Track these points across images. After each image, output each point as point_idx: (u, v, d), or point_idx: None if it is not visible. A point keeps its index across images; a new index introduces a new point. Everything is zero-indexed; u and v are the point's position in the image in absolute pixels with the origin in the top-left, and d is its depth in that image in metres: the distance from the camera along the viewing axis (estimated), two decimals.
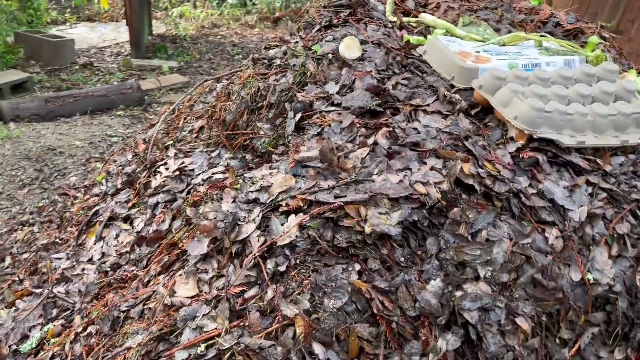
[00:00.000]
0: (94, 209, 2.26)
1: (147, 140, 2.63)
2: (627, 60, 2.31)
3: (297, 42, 2.04)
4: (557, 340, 1.31)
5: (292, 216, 1.40)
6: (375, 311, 1.25)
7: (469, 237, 1.33)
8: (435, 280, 1.29)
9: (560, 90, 1.57)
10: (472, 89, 1.65)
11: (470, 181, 1.41)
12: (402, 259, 1.32)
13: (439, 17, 2.14)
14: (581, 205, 1.40)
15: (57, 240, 2.44)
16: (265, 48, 2.16)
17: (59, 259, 2.10)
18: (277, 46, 2.13)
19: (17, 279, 2.18)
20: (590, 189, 1.45)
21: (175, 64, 6.34)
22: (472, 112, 1.62)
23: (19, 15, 6.41)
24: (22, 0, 6.36)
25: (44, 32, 6.32)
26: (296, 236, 1.34)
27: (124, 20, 7.60)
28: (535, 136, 1.49)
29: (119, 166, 2.56)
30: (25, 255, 2.68)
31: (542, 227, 1.37)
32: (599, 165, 1.51)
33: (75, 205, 2.65)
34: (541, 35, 1.93)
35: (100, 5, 7.59)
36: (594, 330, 1.34)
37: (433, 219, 1.37)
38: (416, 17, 2.13)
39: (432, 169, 1.43)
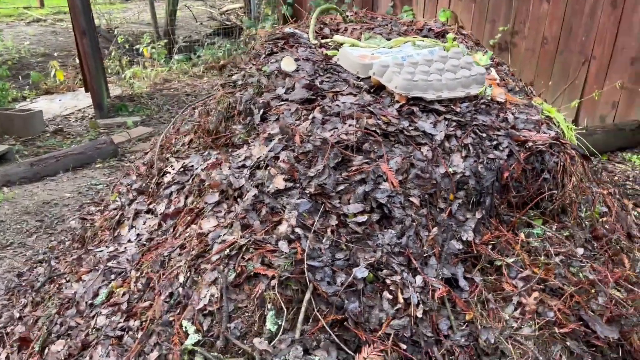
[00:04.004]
0: (119, 214, 3.13)
1: (146, 163, 3.54)
2: (493, 46, 3.39)
3: (250, 67, 3.03)
4: (437, 209, 2.29)
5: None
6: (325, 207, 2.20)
7: (376, 159, 2.31)
8: (362, 186, 2.25)
9: (423, 68, 2.61)
10: (370, 77, 2.67)
11: (373, 128, 2.39)
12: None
13: (347, 37, 3.18)
14: (441, 131, 2.40)
15: (90, 248, 3.28)
16: (229, 76, 3.14)
17: (101, 251, 2.95)
18: (236, 73, 3.11)
19: (68, 274, 3.01)
20: (447, 122, 2.46)
21: (138, 118, 7.26)
22: (372, 90, 2.63)
23: None
24: None
25: (10, 108, 7.14)
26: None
27: (80, 89, 8.52)
28: (409, 96, 2.50)
29: (127, 185, 3.45)
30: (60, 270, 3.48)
31: (419, 147, 2.36)
32: (452, 109, 2.53)
33: (97, 222, 3.49)
34: (414, 38, 2.99)
35: (55, 78, 8.47)
36: (459, 202, 2.32)
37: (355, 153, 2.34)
38: (331, 38, 3.16)
39: (350, 125, 2.42)
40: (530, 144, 2.47)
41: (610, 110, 5.54)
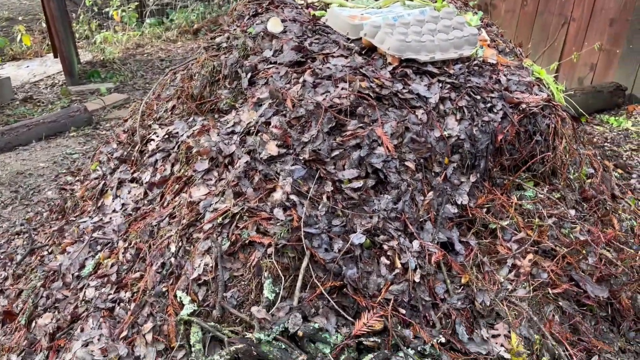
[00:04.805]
0: (101, 184, 3.02)
1: (126, 130, 3.41)
2: (473, 8, 3.32)
3: (235, 29, 2.91)
4: (433, 173, 2.25)
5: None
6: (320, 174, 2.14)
7: (370, 123, 2.25)
8: (357, 151, 2.19)
9: (415, 28, 2.53)
10: (360, 38, 2.58)
11: (366, 91, 2.32)
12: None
13: None
14: (435, 94, 2.35)
15: (71, 219, 3.17)
16: (212, 38, 3.01)
17: (85, 222, 2.85)
18: (220, 35, 2.98)
19: (52, 244, 2.91)
20: (440, 84, 2.40)
21: (112, 85, 7.01)
22: (363, 52, 2.55)
23: None
24: None
25: None
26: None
27: (49, 55, 8.17)
28: (402, 58, 2.43)
29: (108, 154, 3.32)
30: (41, 242, 3.37)
31: (414, 110, 2.31)
32: (445, 70, 2.47)
33: (78, 192, 3.37)
34: None
35: (22, 44, 8.09)
36: (454, 165, 2.28)
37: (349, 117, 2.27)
38: None
39: (342, 89, 2.34)
40: (523, 106, 2.44)
41: (588, 72, 5.56)
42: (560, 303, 2.23)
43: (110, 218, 2.70)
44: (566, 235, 2.40)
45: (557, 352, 2.10)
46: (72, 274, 2.50)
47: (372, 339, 1.84)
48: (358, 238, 2.02)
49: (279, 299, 1.95)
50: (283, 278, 1.97)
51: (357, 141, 2.20)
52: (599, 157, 3.47)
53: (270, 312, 1.91)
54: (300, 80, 2.41)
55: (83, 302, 2.30)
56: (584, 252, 2.37)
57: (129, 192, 2.77)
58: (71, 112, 5.84)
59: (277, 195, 2.07)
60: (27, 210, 4.40)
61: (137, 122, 3.09)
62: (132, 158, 2.99)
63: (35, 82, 7.38)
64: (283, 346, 1.84)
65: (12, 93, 6.71)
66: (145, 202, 2.64)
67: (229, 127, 2.39)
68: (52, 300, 2.45)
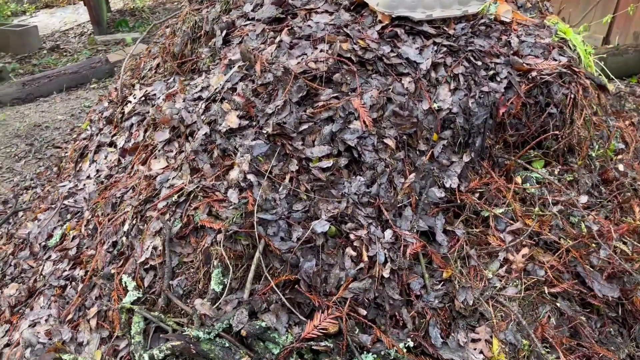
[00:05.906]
0: (84, 145, 2.86)
1: (117, 88, 3.21)
2: None
3: None
4: (417, 152, 1.94)
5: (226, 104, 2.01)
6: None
7: (348, 92, 1.95)
8: (329, 125, 1.91)
9: None
10: None
11: (348, 55, 2.01)
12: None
13: None
14: (427, 59, 2.01)
15: (57, 181, 3.05)
16: None
17: (64, 185, 2.72)
18: None
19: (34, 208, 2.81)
20: (435, 47, 2.05)
21: (138, 34, 6.83)
22: (352, 8, 2.21)
23: None
24: None
25: (6, 24, 6.77)
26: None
27: (81, 2, 8.04)
28: (394, 16, 2.08)
29: (99, 113, 3.15)
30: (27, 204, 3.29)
31: (400, 78, 1.98)
32: (444, 31, 2.11)
33: (68, 151, 3.24)
34: None
35: None
36: (444, 143, 1.97)
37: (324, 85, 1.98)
38: None
39: (321, 51, 2.03)
40: (534, 73, 2.06)
41: None
42: (558, 303, 1.93)
43: (84, 185, 2.55)
44: (575, 225, 2.07)
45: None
46: (40, 244, 2.37)
47: (323, 344, 1.61)
48: (321, 226, 1.77)
49: (228, 291, 1.74)
50: (234, 268, 1.75)
51: (329, 113, 1.91)
52: None
53: (216, 306, 1.71)
54: (277, 40, 2.12)
55: (41, 276, 2.18)
56: (593, 245, 2.03)
57: (106, 157, 2.60)
58: (93, 63, 5.71)
59: (234, 174, 1.83)
60: (39, 164, 4.35)
61: (121, 80, 2.88)
62: (115, 120, 2.81)
63: (65, 30, 7.29)
64: (227, 344, 1.65)
65: (39, 42, 6.65)
66: (119, 169, 2.46)
67: (196, 92, 2.14)
68: (19, 270, 2.35)
